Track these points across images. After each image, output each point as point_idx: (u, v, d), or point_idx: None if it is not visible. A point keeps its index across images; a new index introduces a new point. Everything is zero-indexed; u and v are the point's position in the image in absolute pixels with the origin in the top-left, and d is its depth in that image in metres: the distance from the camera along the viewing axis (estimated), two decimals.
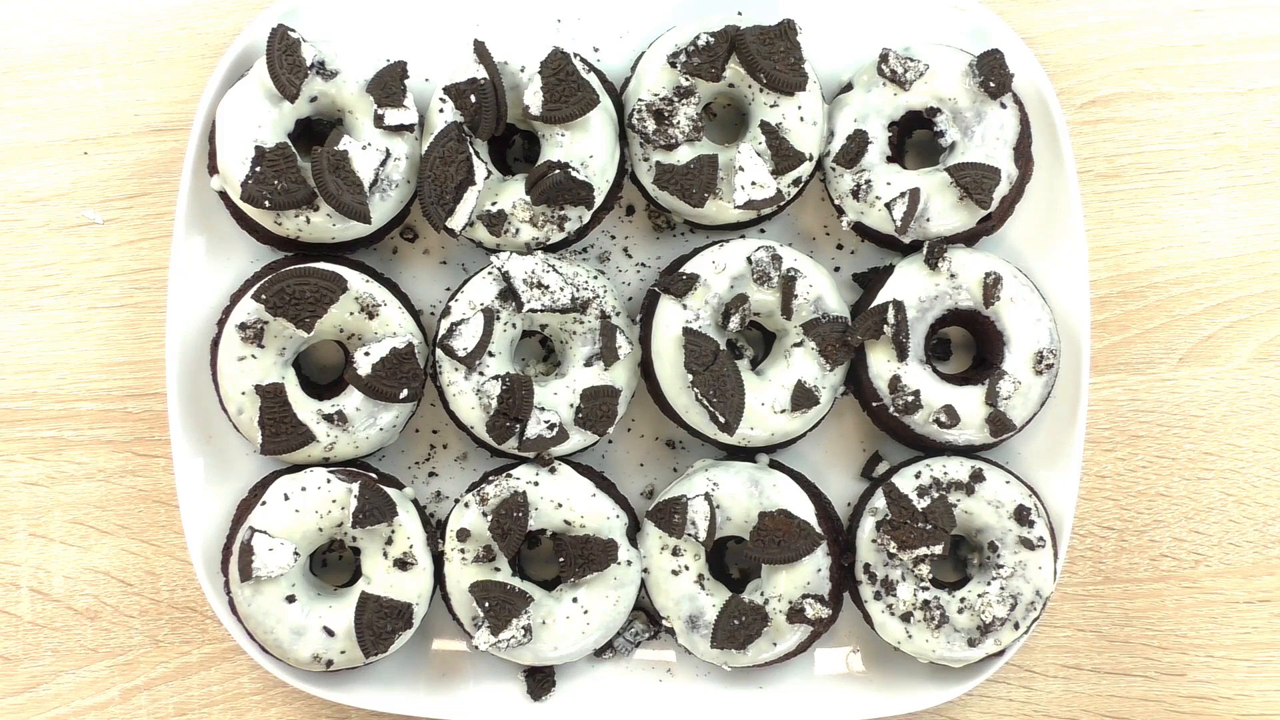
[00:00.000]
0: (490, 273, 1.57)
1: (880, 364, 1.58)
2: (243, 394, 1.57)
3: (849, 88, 1.60)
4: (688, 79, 1.57)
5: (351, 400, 1.58)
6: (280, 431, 1.56)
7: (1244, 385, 1.71)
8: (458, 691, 1.64)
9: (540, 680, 1.63)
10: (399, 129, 1.57)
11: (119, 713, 1.69)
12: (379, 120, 1.56)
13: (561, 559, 1.57)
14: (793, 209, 1.66)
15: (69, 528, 1.69)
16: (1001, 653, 1.61)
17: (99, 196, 1.70)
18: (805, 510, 1.58)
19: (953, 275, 1.58)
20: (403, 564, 1.57)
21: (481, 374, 1.56)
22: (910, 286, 1.58)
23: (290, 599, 1.56)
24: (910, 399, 1.57)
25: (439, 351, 1.57)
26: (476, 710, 1.62)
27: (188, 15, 1.70)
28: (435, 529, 1.62)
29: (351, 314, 1.56)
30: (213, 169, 1.59)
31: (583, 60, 1.59)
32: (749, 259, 1.57)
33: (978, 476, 1.58)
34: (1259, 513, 1.71)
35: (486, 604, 1.55)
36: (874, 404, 1.60)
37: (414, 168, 1.58)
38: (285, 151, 1.54)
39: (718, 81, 1.57)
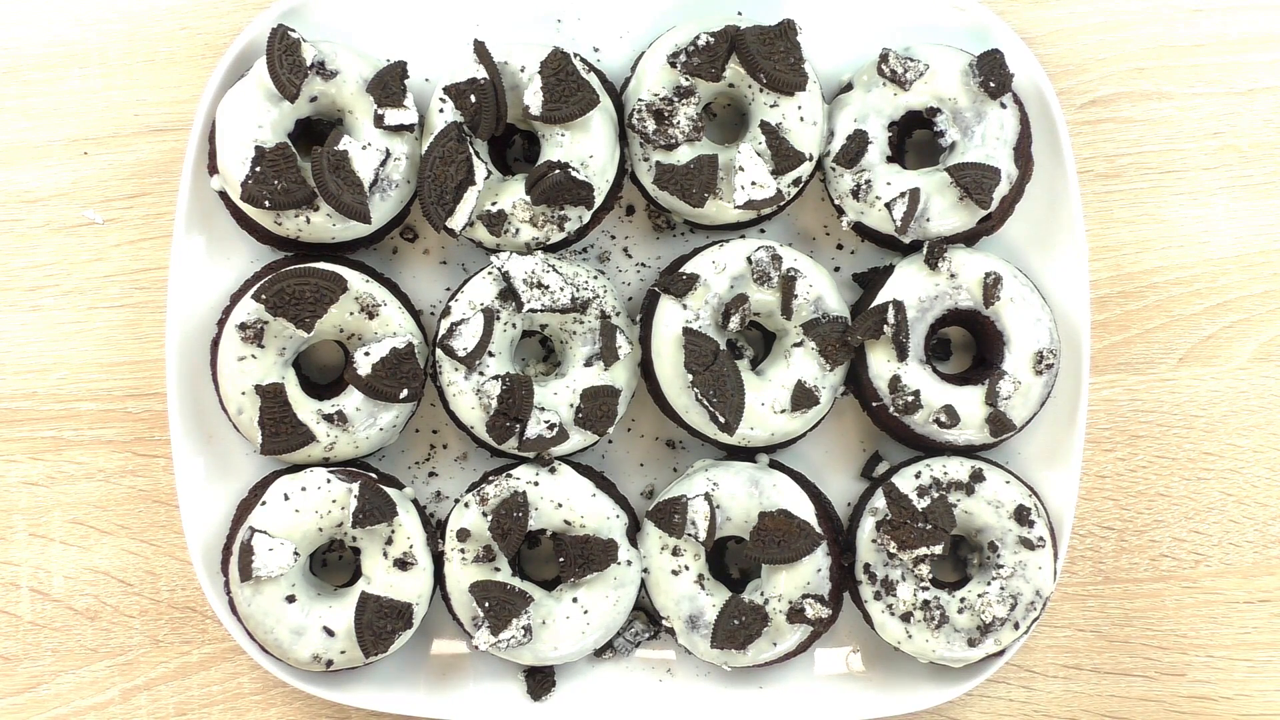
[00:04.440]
0: (490, 273, 1.57)
1: (880, 364, 1.58)
2: (243, 394, 1.57)
3: (849, 88, 1.60)
4: (688, 79, 1.57)
5: (351, 400, 1.58)
6: (280, 431, 1.56)
7: (1244, 385, 1.71)
8: (458, 691, 1.64)
9: (540, 680, 1.63)
10: (399, 129, 1.57)
11: (119, 713, 1.69)
12: (379, 120, 1.56)
13: (561, 559, 1.57)
14: (793, 209, 1.66)
15: (69, 528, 1.69)
16: (1001, 653, 1.61)
17: (99, 196, 1.70)
18: (805, 510, 1.58)
19: (953, 275, 1.58)
20: (403, 564, 1.57)
21: (481, 374, 1.56)
22: (910, 286, 1.58)
23: (290, 599, 1.56)
24: (910, 399, 1.57)
25: (439, 351, 1.57)
26: (476, 710, 1.62)
27: (188, 15, 1.70)
28: (435, 529, 1.62)
29: (351, 314, 1.56)
30: (213, 169, 1.59)
31: (583, 60, 1.59)
32: (749, 259, 1.57)
33: (978, 476, 1.58)
34: (1259, 513, 1.71)
35: (486, 604, 1.55)
36: (874, 404, 1.60)
37: (414, 168, 1.58)
38: (285, 151, 1.54)
39: (718, 81, 1.57)
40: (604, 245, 1.66)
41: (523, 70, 1.56)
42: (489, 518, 1.56)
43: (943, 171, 1.58)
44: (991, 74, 1.57)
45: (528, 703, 1.63)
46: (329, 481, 1.56)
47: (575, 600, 1.58)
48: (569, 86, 1.54)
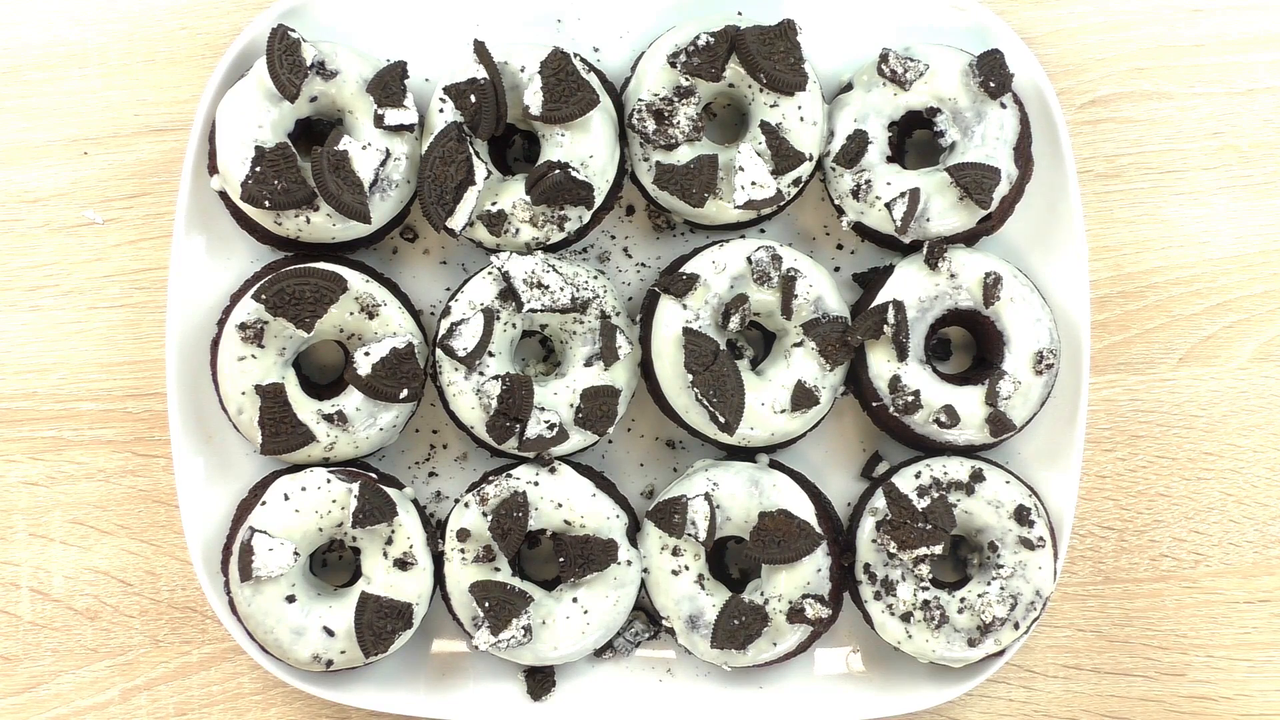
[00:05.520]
0: (490, 273, 1.57)
1: (880, 364, 1.58)
2: (243, 394, 1.57)
3: (849, 88, 1.60)
4: (688, 79, 1.57)
5: (351, 400, 1.58)
6: (280, 431, 1.56)
7: (1244, 385, 1.71)
8: (458, 691, 1.64)
9: (540, 680, 1.63)
10: (399, 129, 1.57)
11: (119, 713, 1.69)
12: (379, 120, 1.56)
13: (561, 559, 1.57)
14: (793, 209, 1.66)
15: (69, 528, 1.69)
16: (1001, 653, 1.61)
17: (99, 196, 1.70)
18: (805, 510, 1.58)
19: (953, 275, 1.58)
20: (403, 564, 1.57)
21: (481, 374, 1.56)
22: (910, 286, 1.58)
23: (290, 599, 1.56)
24: (910, 399, 1.57)
25: (439, 351, 1.57)
26: (476, 710, 1.62)
27: (188, 15, 1.70)
28: (435, 529, 1.62)
29: (351, 314, 1.56)
30: (213, 169, 1.59)
31: (583, 60, 1.59)
32: (749, 259, 1.57)
33: (978, 476, 1.58)
34: (1259, 513, 1.71)
35: (486, 604, 1.55)
36: (874, 404, 1.60)
37: (414, 168, 1.58)
38: (285, 151, 1.54)
39: (718, 81, 1.57)
40: (604, 245, 1.66)
41: (523, 70, 1.56)
42: (489, 518, 1.56)
43: (943, 171, 1.58)
44: (991, 74, 1.57)
45: (528, 703, 1.63)
46: (329, 481, 1.56)
47: (575, 600, 1.58)
48: (569, 86, 1.54)
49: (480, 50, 1.56)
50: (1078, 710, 1.70)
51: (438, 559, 1.59)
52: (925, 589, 1.57)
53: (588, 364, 1.58)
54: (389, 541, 1.57)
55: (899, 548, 1.56)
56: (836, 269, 1.66)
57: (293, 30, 1.55)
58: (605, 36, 1.64)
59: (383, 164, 1.56)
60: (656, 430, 1.67)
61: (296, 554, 1.55)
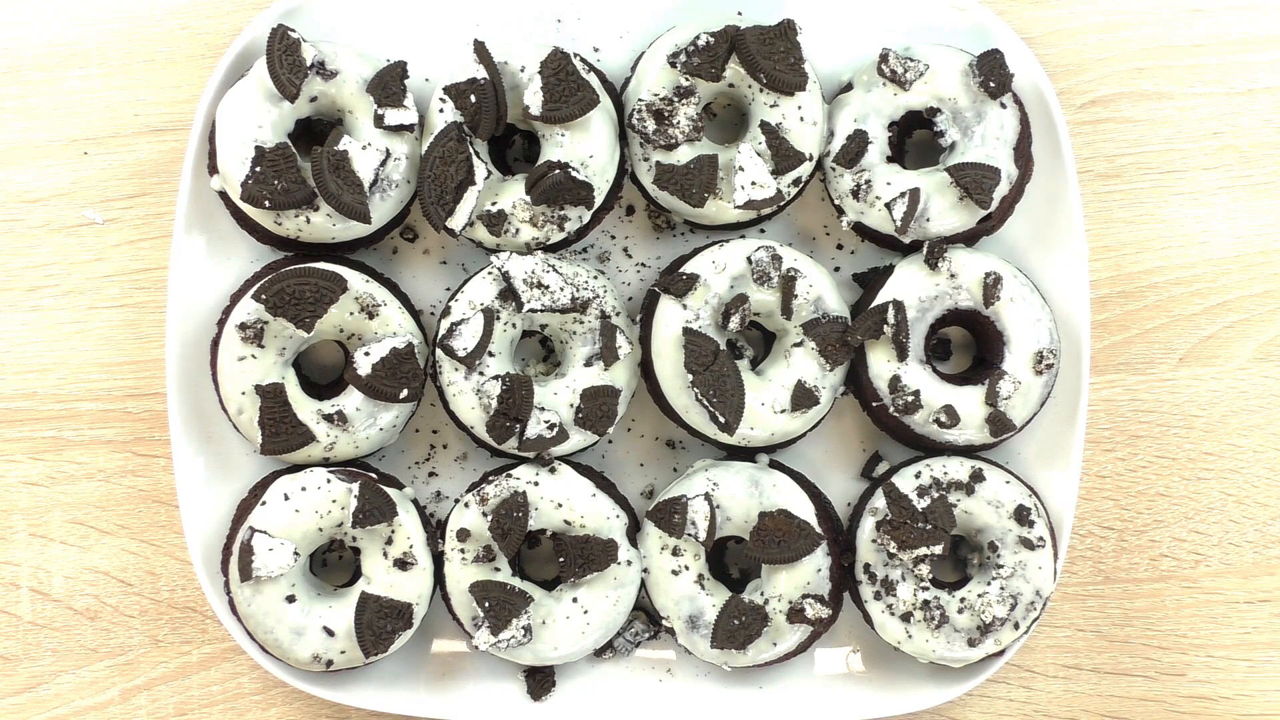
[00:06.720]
0: (490, 273, 1.57)
1: (880, 364, 1.58)
2: (243, 394, 1.57)
3: (849, 88, 1.60)
4: (688, 79, 1.57)
5: (351, 400, 1.58)
6: (280, 431, 1.56)
7: (1244, 385, 1.71)
8: (458, 691, 1.64)
9: (540, 680, 1.63)
10: (399, 129, 1.57)
11: (119, 713, 1.69)
12: (379, 120, 1.56)
13: (561, 559, 1.57)
14: (793, 209, 1.66)
15: (69, 528, 1.69)
16: (1001, 653, 1.61)
17: (99, 196, 1.70)
18: (805, 510, 1.58)
19: (953, 275, 1.58)
20: (403, 564, 1.57)
21: (481, 374, 1.56)
22: (910, 286, 1.58)
23: (290, 599, 1.56)
24: (910, 399, 1.57)
25: (439, 351, 1.57)
26: (476, 710, 1.62)
27: (188, 15, 1.70)
28: (435, 529, 1.62)
29: (351, 314, 1.56)
30: (213, 169, 1.59)
31: (583, 60, 1.59)
32: (749, 259, 1.57)
33: (978, 476, 1.58)
34: (1259, 513, 1.71)
35: (486, 604, 1.55)
36: (874, 404, 1.60)
37: (414, 168, 1.58)
38: (285, 151, 1.54)
39: (718, 81, 1.57)
40: (604, 245, 1.66)
41: (523, 70, 1.56)
42: (489, 518, 1.56)
43: (943, 171, 1.58)
44: (991, 74, 1.57)
45: (528, 703, 1.63)
46: (329, 481, 1.56)
47: (575, 600, 1.58)
48: (569, 86, 1.54)
49: (480, 50, 1.56)
50: (1078, 710, 1.70)
51: (438, 559, 1.59)
52: (925, 589, 1.57)
53: (588, 364, 1.58)
54: (389, 541, 1.57)
55: (899, 548, 1.56)
56: (836, 269, 1.66)
57: (293, 30, 1.55)
58: (605, 36, 1.64)
59: (383, 164, 1.56)
60: (656, 430, 1.67)
61: (296, 554, 1.55)
